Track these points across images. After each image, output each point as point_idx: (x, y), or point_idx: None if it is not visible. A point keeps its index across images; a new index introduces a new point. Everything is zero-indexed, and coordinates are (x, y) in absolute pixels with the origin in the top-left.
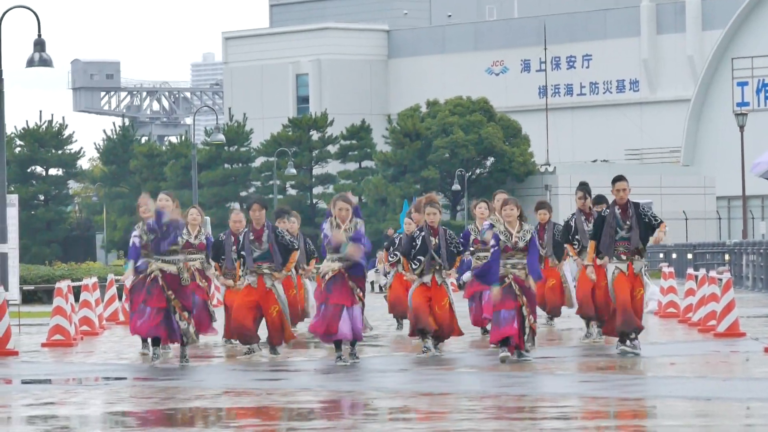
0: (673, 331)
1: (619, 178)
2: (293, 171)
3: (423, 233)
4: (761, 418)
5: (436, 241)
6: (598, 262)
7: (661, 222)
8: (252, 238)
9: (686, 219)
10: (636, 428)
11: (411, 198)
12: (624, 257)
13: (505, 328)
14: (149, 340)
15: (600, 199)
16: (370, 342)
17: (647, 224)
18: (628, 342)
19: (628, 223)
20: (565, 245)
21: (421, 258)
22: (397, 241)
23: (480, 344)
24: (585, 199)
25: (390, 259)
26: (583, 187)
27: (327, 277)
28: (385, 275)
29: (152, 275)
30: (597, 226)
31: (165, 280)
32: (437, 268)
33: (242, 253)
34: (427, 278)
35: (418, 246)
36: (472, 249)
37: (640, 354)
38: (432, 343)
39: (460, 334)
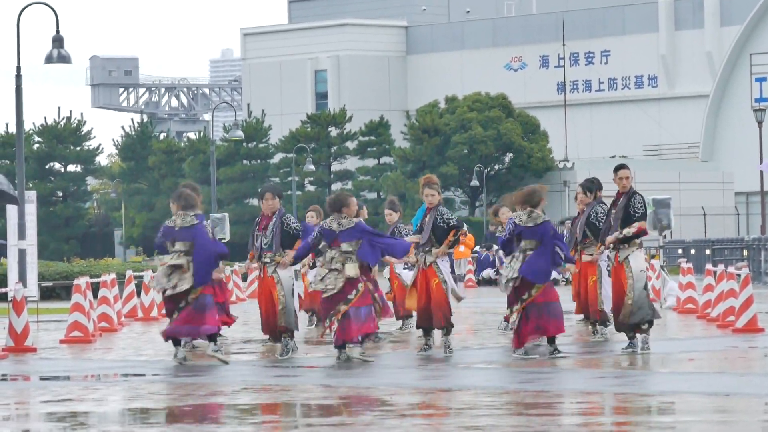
0: (691, 326)
1: (621, 167)
2: (312, 167)
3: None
4: None
5: (425, 220)
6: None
7: (640, 221)
8: (261, 225)
9: (705, 215)
10: (655, 424)
11: None
12: (611, 246)
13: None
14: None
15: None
16: (388, 338)
17: (629, 215)
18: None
19: (613, 210)
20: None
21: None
22: None
23: (499, 340)
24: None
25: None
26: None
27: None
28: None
29: None
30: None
31: None
32: (422, 247)
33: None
34: (421, 259)
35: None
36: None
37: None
38: (442, 341)
39: (448, 318)
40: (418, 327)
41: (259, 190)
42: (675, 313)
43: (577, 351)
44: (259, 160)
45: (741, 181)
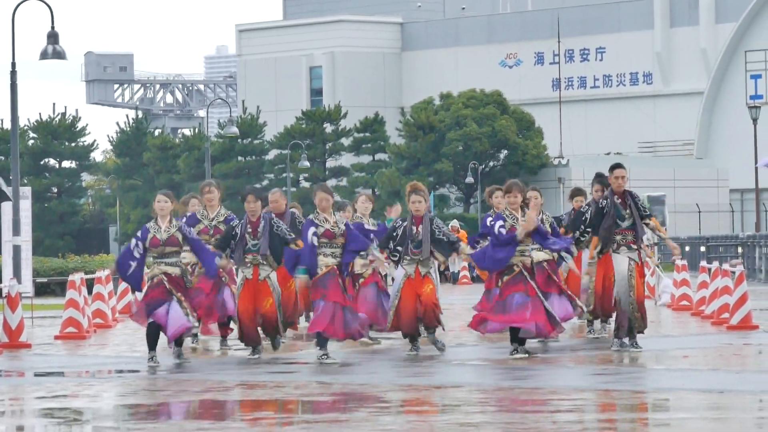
0: (686, 323)
1: (617, 165)
2: (307, 164)
3: (405, 223)
4: None
5: (418, 230)
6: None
7: (651, 215)
8: (249, 230)
9: (699, 212)
10: (649, 421)
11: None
12: (633, 246)
13: (513, 314)
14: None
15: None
16: (381, 335)
17: (640, 214)
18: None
19: (627, 211)
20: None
21: (400, 249)
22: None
23: (492, 337)
24: (602, 192)
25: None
26: (600, 179)
27: (321, 272)
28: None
29: (156, 279)
30: (596, 217)
31: (171, 284)
32: (420, 259)
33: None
34: (410, 269)
35: (398, 236)
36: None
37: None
38: (428, 336)
39: (439, 324)
40: (405, 336)
41: (242, 193)
42: (669, 310)
43: (573, 347)
44: (254, 157)
45: (736, 178)
